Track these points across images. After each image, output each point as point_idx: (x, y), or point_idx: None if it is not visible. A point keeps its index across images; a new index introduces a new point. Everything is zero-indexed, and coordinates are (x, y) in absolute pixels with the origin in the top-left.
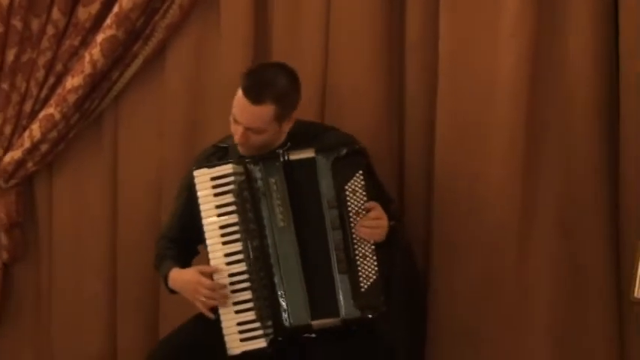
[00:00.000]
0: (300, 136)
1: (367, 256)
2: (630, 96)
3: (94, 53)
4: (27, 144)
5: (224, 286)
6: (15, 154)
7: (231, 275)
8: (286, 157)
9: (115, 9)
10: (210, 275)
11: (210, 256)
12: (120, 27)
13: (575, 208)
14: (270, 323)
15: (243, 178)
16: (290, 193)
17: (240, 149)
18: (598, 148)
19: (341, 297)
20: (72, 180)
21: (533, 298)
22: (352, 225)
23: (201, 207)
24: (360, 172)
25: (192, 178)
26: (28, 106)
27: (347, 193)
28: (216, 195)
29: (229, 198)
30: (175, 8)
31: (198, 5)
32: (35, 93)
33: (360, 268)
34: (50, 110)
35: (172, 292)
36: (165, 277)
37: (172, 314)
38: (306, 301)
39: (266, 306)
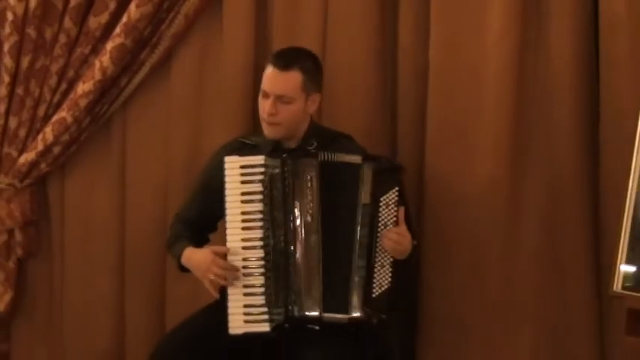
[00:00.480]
0: (319, 137)
1: (385, 266)
2: (610, 99)
3: (103, 60)
4: (40, 146)
5: (237, 268)
6: (29, 156)
7: (245, 260)
8: (324, 157)
9: (124, 19)
10: (223, 255)
11: (228, 238)
12: (128, 36)
13: (558, 206)
14: (279, 310)
15: (277, 170)
16: (323, 190)
17: (267, 130)
18: (580, 149)
19: (354, 298)
20: (83, 180)
21: (518, 290)
22: (378, 235)
23: (227, 192)
24: (397, 188)
25: (213, 165)
26: (41, 111)
27: (381, 204)
28: (243, 182)
29: (257, 187)
30: (180, 18)
31: (202, 15)
32: (48, 98)
33: (375, 276)
34: (62, 114)
35: (183, 270)
36: (178, 255)
37: (178, 309)
38: (320, 294)
39: (278, 293)
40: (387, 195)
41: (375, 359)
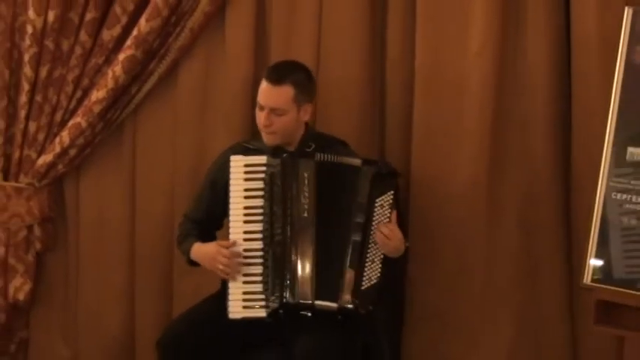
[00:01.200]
0: (316, 141)
1: (375, 262)
2: (580, 108)
3: (116, 70)
4: (57, 149)
5: (239, 254)
6: (47, 158)
7: (247, 250)
8: (321, 157)
9: (135, 32)
10: (227, 248)
11: (231, 231)
12: (138, 48)
13: (533, 206)
14: (275, 297)
15: (277, 169)
16: (319, 188)
17: (265, 138)
18: (553, 154)
19: (344, 288)
20: (96, 181)
21: (498, 284)
22: (371, 233)
23: (231, 188)
24: (392, 192)
25: (218, 166)
26: (58, 116)
27: (376, 205)
28: (246, 180)
29: (259, 184)
30: (186, 32)
31: (206, 29)
32: (65, 104)
33: (366, 270)
34: (78, 119)
35: (192, 264)
36: (187, 251)
37: (184, 299)
38: (313, 283)
39: (274, 281)
40: (383, 197)
41: (364, 347)
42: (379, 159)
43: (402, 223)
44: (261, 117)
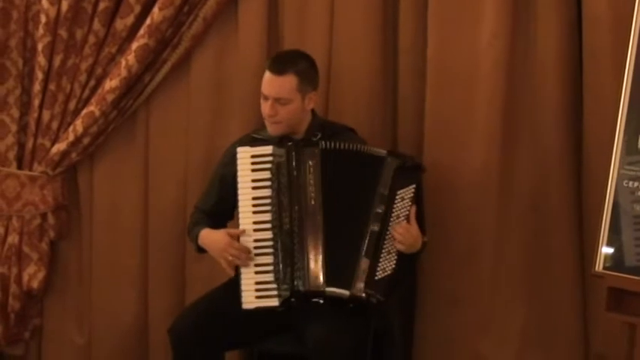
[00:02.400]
0: (323, 130)
1: (391, 253)
2: (592, 94)
3: (129, 59)
4: (71, 137)
5: (249, 250)
6: (61, 146)
7: (257, 240)
8: (325, 145)
9: (148, 21)
10: (237, 237)
11: (240, 222)
12: (151, 37)
13: (544, 192)
14: (286, 286)
15: (283, 159)
16: (326, 176)
17: (270, 128)
18: (565, 141)
19: (358, 276)
20: (110, 169)
21: (509, 269)
22: (390, 225)
23: (239, 179)
24: (414, 185)
25: (227, 160)
26: (72, 105)
27: (397, 197)
28: (253, 171)
29: (265, 174)
30: (199, 21)
31: (219, 18)
32: (78, 93)
33: (381, 260)
34: (91, 108)
35: (200, 251)
36: (196, 237)
37: (196, 286)
38: (323, 270)
39: (285, 270)
40: (405, 190)
41: (375, 333)
42: (405, 152)
43: (420, 218)
44: (265, 107)
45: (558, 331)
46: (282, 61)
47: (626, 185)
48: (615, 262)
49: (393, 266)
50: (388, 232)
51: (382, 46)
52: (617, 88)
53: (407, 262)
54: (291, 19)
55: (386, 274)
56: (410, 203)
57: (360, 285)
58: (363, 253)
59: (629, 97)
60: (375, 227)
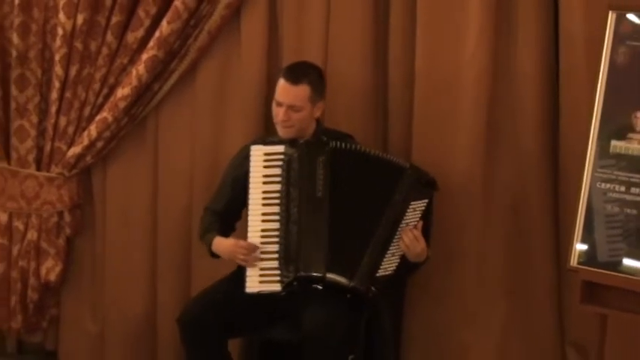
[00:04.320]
0: (326, 135)
1: (395, 256)
2: (568, 104)
3: (139, 69)
4: (86, 141)
5: (255, 248)
6: (76, 150)
7: (264, 230)
8: (334, 144)
9: (157, 34)
10: (245, 246)
11: (250, 213)
12: (160, 48)
13: (524, 194)
14: (289, 272)
15: (295, 156)
16: (334, 172)
17: (282, 131)
18: (543, 146)
19: (360, 270)
20: (122, 170)
21: (491, 267)
22: (399, 230)
23: (251, 174)
24: (427, 200)
25: (239, 161)
26: (86, 111)
27: (410, 207)
28: (265, 167)
29: (277, 171)
30: (205, 34)
31: (223, 31)
32: (92, 101)
33: (385, 260)
34: (104, 114)
35: (214, 255)
36: (209, 244)
37: (202, 279)
38: (325, 258)
39: (289, 257)
40: (418, 202)
41: (367, 322)
42: (423, 169)
43: (427, 233)
44: (279, 112)
45: (536, 322)
46: (298, 72)
47: (599, 187)
48: (589, 257)
49: (394, 268)
50: (396, 237)
51: (374, 59)
52: (591, 98)
53: (406, 269)
54: (290, 34)
55: (386, 273)
56: (420, 215)
57: (361, 278)
58: (370, 250)
59: (601, 106)
60: (386, 229)
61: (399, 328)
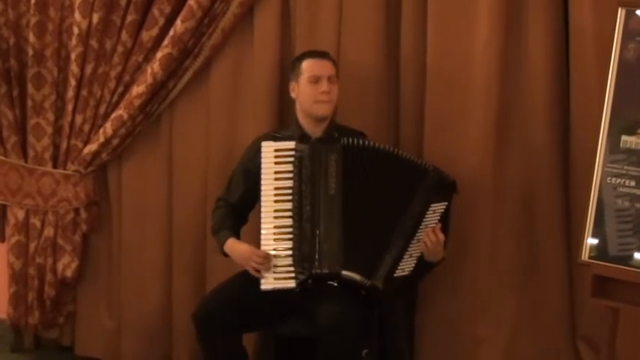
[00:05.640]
0: (339, 132)
1: (412, 257)
2: (578, 100)
3: (154, 67)
4: (101, 139)
5: (270, 258)
6: (92, 147)
7: (277, 227)
8: (345, 142)
9: (171, 32)
10: (262, 255)
11: (263, 210)
12: (175, 46)
13: (534, 190)
14: (304, 269)
15: (306, 153)
16: (346, 169)
17: (322, 109)
18: (553, 141)
19: (380, 269)
20: (137, 167)
21: (502, 262)
22: (418, 231)
23: (263, 171)
24: (447, 203)
25: (250, 154)
26: (102, 109)
27: (430, 210)
28: (276, 163)
29: (288, 167)
30: (218, 32)
31: (237, 30)
32: (108, 98)
33: (403, 261)
34: (120, 112)
35: (225, 254)
36: (222, 244)
37: (216, 275)
38: (340, 255)
39: (303, 254)
40: (438, 205)
41: (381, 316)
42: (443, 171)
43: (445, 235)
44: (321, 86)
45: (548, 315)
46: (320, 51)
47: (609, 182)
48: (600, 252)
49: (411, 269)
50: (415, 238)
51: (386, 55)
52: (602, 93)
53: (422, 269)
54: (302, 32)
55: (403, 274)
56: (438, 218)
57: (381, 277)
58: (389, 250)
59: (612, 101)
60: (406, 230)
61: (412, 322)
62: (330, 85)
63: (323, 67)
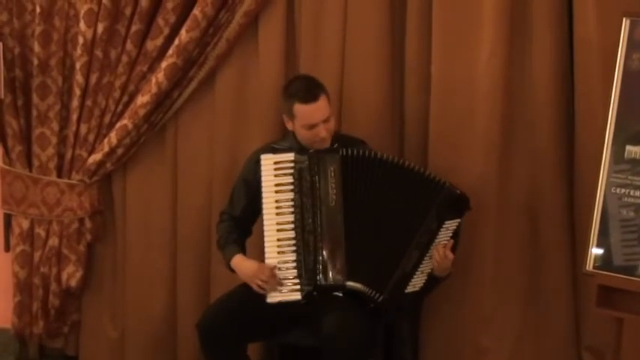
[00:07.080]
0: (339, 141)
1: (424, 273)
2: (583, 110)
3: (159, 77)
4: (106, 148)
5: (276, 277)
6: (97, 157)
7: (280, 240)
8: (344, 152)
9: (176, 42)
10: (266, 270)
11: (265, 224)
12: (179, 56)
13: (539, 199)
14: (308, 281)
15: (305, 165)
16: (346, 180)
17: (321, 144)
18: (558, 150)
19: (391, 285)
20: (141, 177)
21: (507, 270)
22: (431, 248)
23: (263, 184)
24: (459, 220)
25: (250, 166)
26: (107, 119)
27: (443, 227)
28: (276, 176)
29: (288, 179)
30: (223, 42)
31: (241, 39)
32: (113, 108)
33: (414, 278)
34: (124, 122)
35: (231, 270)
36: (228, 259)
37: (221, 284)
38: (344, 266)
39: (307, 266)
40: (451, 222)
41: (386, 326)
42: (458, 187)
43: (453, 250)
44: (320, 132)
45: (552, 326)
46: (310, 89)
47: (614, 192)
48: (604, 261)
49: (422, 285)
50: (427, 255)
51: (390, 65)
52: (606, 104)
53: (430, 284)
54: (307, 41)
55: (414, 289)
56: (450, 235)
57: (391, 292)
58: (401, 266)
59: (616, 112)
60: (419, 247)
61: (417, 332)
62: (326, 126)
63: (317, 112)
